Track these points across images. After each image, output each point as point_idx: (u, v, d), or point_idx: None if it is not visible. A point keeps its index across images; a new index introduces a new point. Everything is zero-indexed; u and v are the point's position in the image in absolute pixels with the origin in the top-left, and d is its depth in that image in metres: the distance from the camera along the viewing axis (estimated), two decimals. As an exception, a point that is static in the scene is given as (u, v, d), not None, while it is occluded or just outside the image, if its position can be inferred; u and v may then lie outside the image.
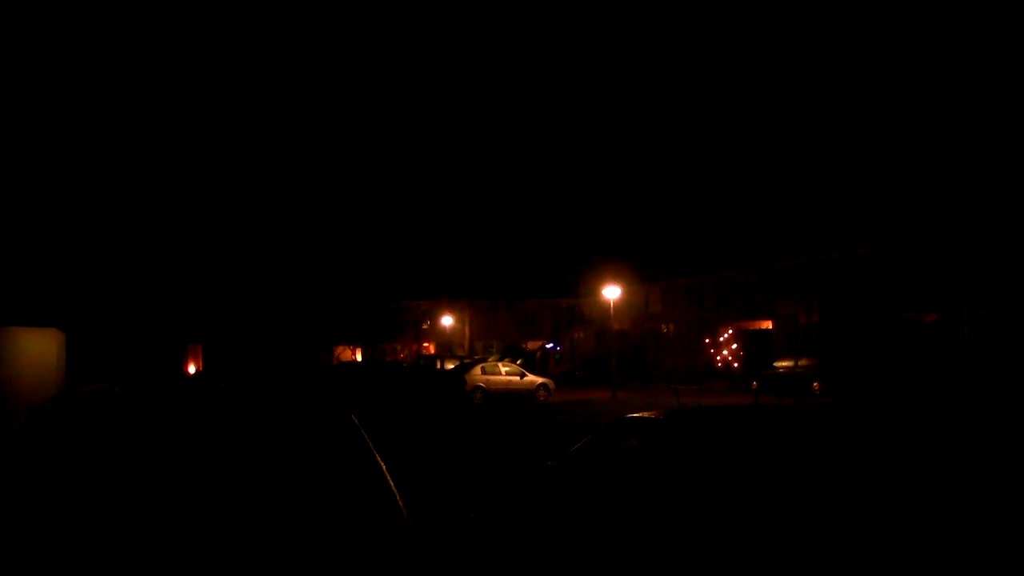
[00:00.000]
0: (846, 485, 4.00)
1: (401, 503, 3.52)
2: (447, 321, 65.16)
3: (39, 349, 22.39)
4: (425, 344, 69.09)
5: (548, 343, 61.20)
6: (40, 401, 14.79)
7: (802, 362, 33.62)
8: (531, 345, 63.65)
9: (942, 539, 3.63)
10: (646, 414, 5.57)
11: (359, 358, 61.66)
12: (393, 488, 3.57)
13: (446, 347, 65.24)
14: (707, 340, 48.75)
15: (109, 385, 13.11)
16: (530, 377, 34.42)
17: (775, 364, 35.40)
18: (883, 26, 68.17)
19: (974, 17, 60.12)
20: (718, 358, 47.26)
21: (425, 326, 69.29)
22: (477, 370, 34.01)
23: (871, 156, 52.41)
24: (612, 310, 37.46)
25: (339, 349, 60.18)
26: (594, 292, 47.24)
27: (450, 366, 40.25)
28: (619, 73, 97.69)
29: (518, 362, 41.02)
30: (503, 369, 34.46)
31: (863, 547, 3.53)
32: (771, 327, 47.29)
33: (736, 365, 45.10)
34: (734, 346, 47.10)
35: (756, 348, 45.86)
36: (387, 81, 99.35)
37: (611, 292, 36.20)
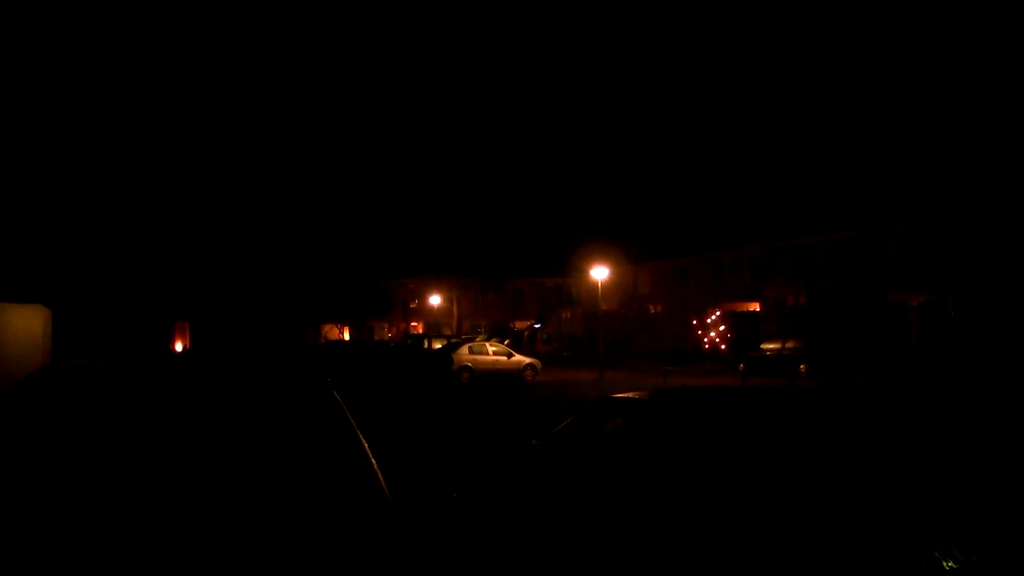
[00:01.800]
0: (831, 467, 4.00)
1: (382, 481, 3.49)
2: (435, 300, 65.13)
3: (24, 325, 22.21)
4: (413, 323, 69.07)
5: (536, 323, 61.23)
6: (23, 378, 14.64)
7: (789, 344, 33.76)
8: (519, 325, 63.67)
9: (925, 520, 3.63)
10: (631, 394, 5.55)
11: (347, 337, 61.60)
12: (375, 466, 3.55)
13: (434, 326, 65.22)
14: (695, 321, 48.86)
15: (92, 361, 13.03)
16: (517, 357, 34.47)
17: (762, 346, 35.54)
18: (867, 13, 68.10)
19: (955, 5, 60.11)
20: (706, 340, 47.39)
21: (413, 305, 69.24)
22: (464, 349, 34.05)
23: (858, 138, 52.48)
24: (600, 291, 37.48)
25: (326, 327, 60.10)
26: (582, 272, 47.26)
27: (438, 345, 40.30)
28: (608, 54, 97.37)
29: (506, 342, 41.05)
30: (490, 349, 34.50)
31: (847, 530, 3.52)
32: (759, 309, 47.45)
33: (724, 347, 45.24)
34: (722, 328, 47.22)
35: (744, 330, 46.00)
36: (375, 63, 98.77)
37: (599, 273, 36.20)
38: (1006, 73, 51.67)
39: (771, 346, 34.74)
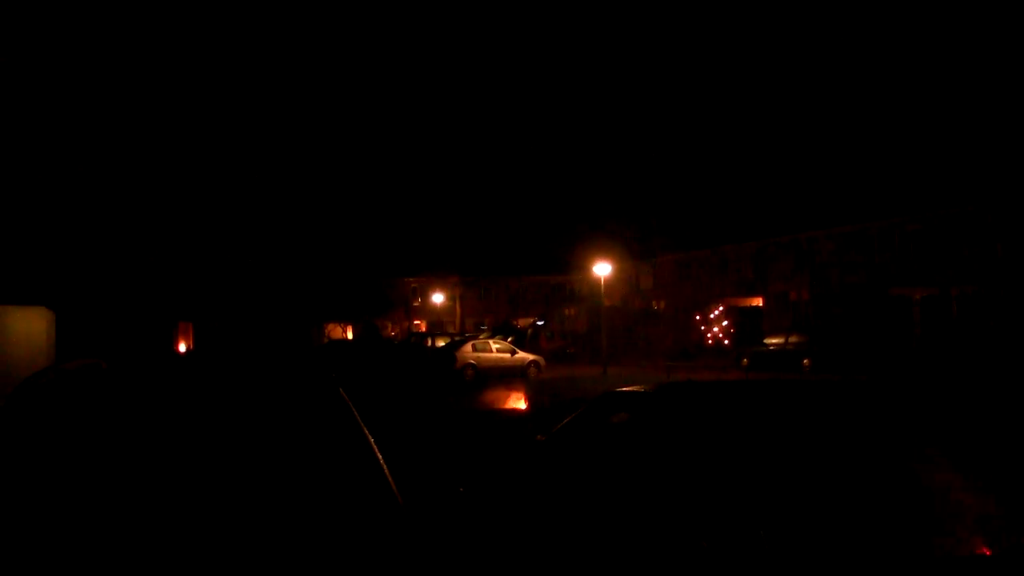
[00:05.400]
0: (838, 460, 3.99)
1: (390, 477, 3.49)
2: (438, 298, 65.15)
3: (28, 328, 22.23)
4: (416, 321, 69.12)
5: (539, 320, 61.19)
6: (26, 379, 14.65)
7: (792, 339, 33.68)
8: (522, 322, 63.67)
9: (932, 511, 3.63)
10: (636, 388, 5.55)
11: (350, 335, 61.67)
12: (381, 462, 3.55)
13: (437, 324, 65.29)
14: (698, 317, 48.83)
15: (96, 361, 13.05)
16: (521, 354, 34.43)
17: (766, 341, 35.45)
18: (876, 10, 68.01)
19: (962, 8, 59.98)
20: (709, 335, 47.35)
21: (416, 303, 69.31)
22: (468, 347, 34.00)
23: (861, 132, 52.39)
24: (603, 287, 37.48)
25: (329, 326, 60.14)
26: (585, 269, 47.24)
27: (441, 343, 40.30)
28: (610, 49, 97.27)
29: (509, 339, 41.02)
30: (494, 346, 34.46)
31: (854, 523, 3.52)
32: (762, 304, 47.42)
33: (727, 342, 45.20)
34: (725, 323, 47.19)
35: (747, 325, 45.98)
36: (374, 60, 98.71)
37: (602, 269, 36.19)
38: (1008, 67, 51.58)
39: (774, 341, 34.67)
